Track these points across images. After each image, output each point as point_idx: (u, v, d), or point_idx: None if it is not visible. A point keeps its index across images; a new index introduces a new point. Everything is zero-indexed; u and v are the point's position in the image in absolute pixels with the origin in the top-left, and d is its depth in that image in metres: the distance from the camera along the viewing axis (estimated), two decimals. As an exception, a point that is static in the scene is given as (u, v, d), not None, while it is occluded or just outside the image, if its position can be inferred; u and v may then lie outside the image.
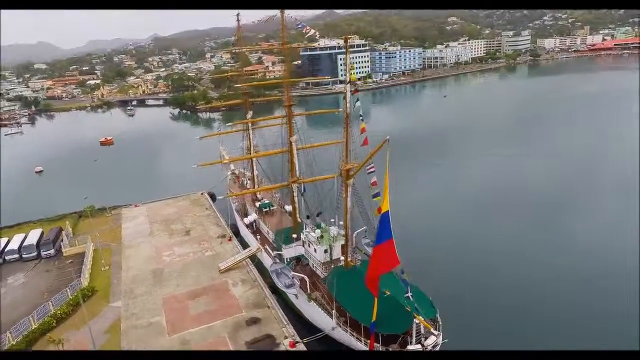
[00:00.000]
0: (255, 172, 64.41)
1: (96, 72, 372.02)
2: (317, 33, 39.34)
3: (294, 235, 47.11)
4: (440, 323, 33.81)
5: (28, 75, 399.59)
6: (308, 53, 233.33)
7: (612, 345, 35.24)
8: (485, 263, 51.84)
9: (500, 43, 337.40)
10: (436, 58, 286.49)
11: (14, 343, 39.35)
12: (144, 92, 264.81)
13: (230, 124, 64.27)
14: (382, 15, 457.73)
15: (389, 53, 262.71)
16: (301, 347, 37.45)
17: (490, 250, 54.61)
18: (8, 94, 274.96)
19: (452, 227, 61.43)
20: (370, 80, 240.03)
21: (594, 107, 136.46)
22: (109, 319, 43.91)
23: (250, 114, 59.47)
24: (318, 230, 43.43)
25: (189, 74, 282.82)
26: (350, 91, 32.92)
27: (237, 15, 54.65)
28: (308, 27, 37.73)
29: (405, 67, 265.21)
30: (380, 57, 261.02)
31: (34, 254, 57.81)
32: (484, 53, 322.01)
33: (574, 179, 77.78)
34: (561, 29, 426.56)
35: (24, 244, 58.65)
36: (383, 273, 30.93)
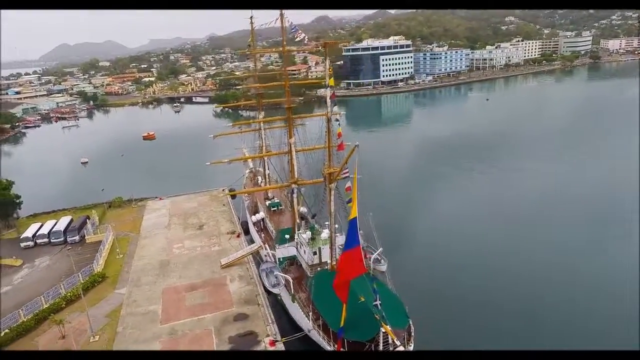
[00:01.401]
0: (267, 171, 65.78)
1: (152, 69, 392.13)
2: (307, 37, 39.72)
3: (287, 236, 47.76)
4: (413, 334, 33.21)
5: (93, 72, 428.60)
6: (350, 53, 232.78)
7: (612, 345, 35.05)
8: (484, 265, 51.87)
9: (557, 44, 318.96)
10: (485, 59, 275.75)
11: (25, 320, 42.99)
12: (192, 89, 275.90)
13: (229, 124, 66.04)
14: (434, 15, 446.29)
15: (434, 54, 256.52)
16: (280, 345, 38.18)
17: (493, 253, 54.61)
18: (72, 89, 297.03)
19: (464, 231, 61.46)
20: (412, 81, 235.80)
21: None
22: (112, 304, 46.77)
23: (262, 114, 60.76)
24: (309, 232, 43.84)
25: (237, 73, 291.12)
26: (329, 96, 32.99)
27: (251, 18, 56.08)
28: (300, 31, 38.16)
29: (450, 69, 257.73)
30: (424, 58, 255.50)
31: (61, 239, 62.51)
32: (538, 54, 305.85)
33: (607, 190, 73.17)
34: (630, 29, 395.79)
35: (53, 229, 63.54)
36: (349, 279, 30.96)
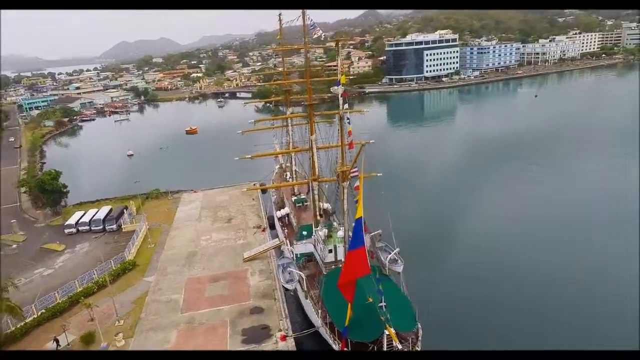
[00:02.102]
0: (294, 168, 66.46)
1: (201, 65, 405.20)
2: (323, 34, 39.50)
3: (304, 233, 48.03)
4: (421, 338, 32.52)
5: (147, 68, 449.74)
6: (393, 49, 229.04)
7: (612, 345, 34.66)
8: (484, 263, 51.66)
9: (620, 36, 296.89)
10: (537, 53, 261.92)
11: (60, 302, 46.19)
12: (237, 85, 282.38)
13: (250, 121, 67.21)
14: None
15: (481, 48, 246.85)
16: (291, 341, 38.65)
17: (521, 255, 53.48)
18: (126, 85, 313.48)
19: (496, 232, 60.38)
20: (456, 77, 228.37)
21: None
22: (139, 291, 49.12)
23: (290, 110, 61.37)
24: (325, 230, 43.89)
25: (279, 69, 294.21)
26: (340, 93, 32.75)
27: (279, 15, 56.61)
28: (318, 28, 38.07)
29: (499, 63, 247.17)
30: (471, 53, 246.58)
31: (101, 227, 66.39)
32: (598, 48, 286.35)
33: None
34: None
35: (94, 218, 67.56)
36: (354, 279, 30.82)
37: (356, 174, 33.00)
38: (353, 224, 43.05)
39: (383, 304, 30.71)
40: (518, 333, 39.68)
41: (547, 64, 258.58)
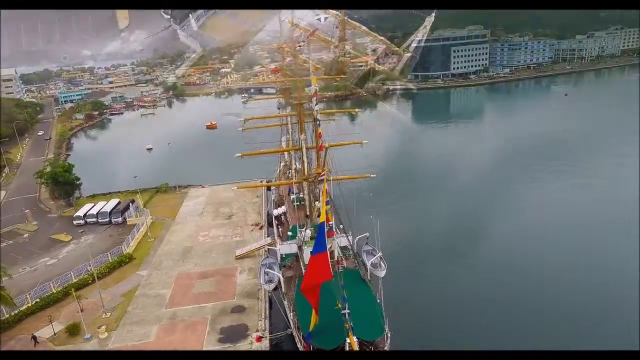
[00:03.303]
0: (294, 166, 66.18)
1: (231, 61, 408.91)
2: (302, 33, 38.77)
3: (289, 233, 47.74)
4: (387, 347, 31.67)
5: (180, 63, 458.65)
6: (419, 45, 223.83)
7: (612, 345, 34.67)
8: (477, 266, 51.02)
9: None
10: (573, 50, 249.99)
11: (54, 292, 47.93)
12: (262, 80, 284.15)
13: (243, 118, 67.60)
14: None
15: (513, 44, 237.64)
16: (266, 342, 38.65)
17: (493, 253, 53.53)
18: (157, 79, 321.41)
19: (497, 236, 58.34)
20: (485, 74, 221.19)
21: None
22: (131, 284, 50.35)
23: (288, 108, 61.03)
24: (309, 231, 43.43)
25: (305, 64, 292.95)
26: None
27: (279, 15, 56.29)
28: (299, 28, 37.44)
29: (531, 60, 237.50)
30: (502, 49, 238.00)
31: (107, 220, 68.39)
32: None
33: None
34: None
35: (101, 210, 69.60)
36: (317, 284, 30.33)
37: (322, 177, 32.30)
38: (341, 226, 42.93)
39: (347, 311, 30.01)
40: (518, 334, 38.94)
41: (583, 61, 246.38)
